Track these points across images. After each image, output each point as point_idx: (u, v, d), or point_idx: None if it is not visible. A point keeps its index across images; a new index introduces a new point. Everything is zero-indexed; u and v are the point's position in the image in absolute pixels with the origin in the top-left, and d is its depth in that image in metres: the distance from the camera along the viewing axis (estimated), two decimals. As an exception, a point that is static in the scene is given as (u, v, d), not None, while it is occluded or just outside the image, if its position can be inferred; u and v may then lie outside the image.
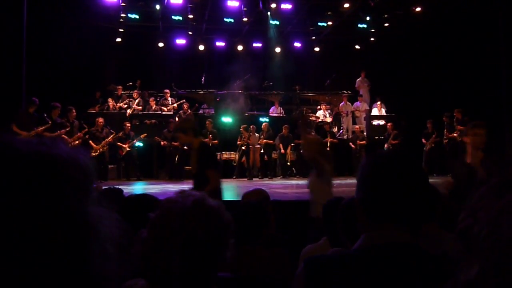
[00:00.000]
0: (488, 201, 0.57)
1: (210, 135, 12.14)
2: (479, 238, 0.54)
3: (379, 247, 1.17)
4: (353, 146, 13.29)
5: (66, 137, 10.27)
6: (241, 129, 12.70)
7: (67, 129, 10.55)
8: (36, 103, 9.99)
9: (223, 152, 12.90)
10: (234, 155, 13.09)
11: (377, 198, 1.21)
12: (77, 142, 10.70)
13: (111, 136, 11.60)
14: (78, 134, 10.96)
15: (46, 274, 0.60)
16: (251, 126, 12.81)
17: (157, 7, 14.28)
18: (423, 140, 12.98)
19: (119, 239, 0.70)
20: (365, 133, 13.84)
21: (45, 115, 10.05)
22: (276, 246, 2.61)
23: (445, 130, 12.58)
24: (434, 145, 12.77)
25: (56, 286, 0.61)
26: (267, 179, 12.43)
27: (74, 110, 11.12)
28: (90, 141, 11.40)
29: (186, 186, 9.57)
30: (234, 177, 12.43)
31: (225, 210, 1.33)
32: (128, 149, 11.96)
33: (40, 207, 0.60)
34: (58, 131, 10.27)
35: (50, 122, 10.01)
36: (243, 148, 12.51)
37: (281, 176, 12.88)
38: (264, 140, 12.77)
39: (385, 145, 13.03)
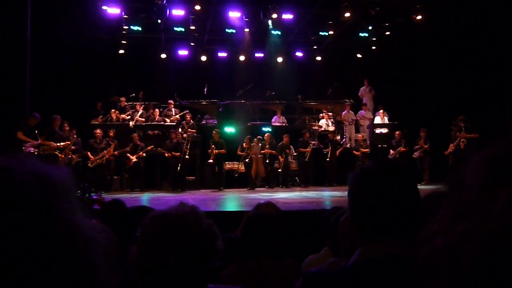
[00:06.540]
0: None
1: (213, 146, 12.15)
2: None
3: (374, 261, 1.17)
4: (357, 153, 13.23)
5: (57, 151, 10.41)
6: (245, 140, 12.71)
7: (68, 142, 10.71)
8: (37, 118, 10.08)
9: (227, 162, 12.89)
10: (237, 165, 13.06)
11: (367, 213, 1.21)
12: (70, 154, 10.76)
13: (111, 147, 11.58)
14: (72, 147, 10.97)
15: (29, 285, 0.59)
16: (251, 137, 12.79)
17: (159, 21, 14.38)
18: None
19: (109, 250, 0.70)
20: (368, 142, 13.81)
21: (36, 131, 10.12)
22: (283, 258, 2.59)
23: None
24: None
25: None
26: (270, 188, 12.36)
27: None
28: (88, 153, 11.46)
29: (188, 196, 9.59)
30: (248, 188, 12.26)
31: (213, 226, 1.34)
32: (134, 160, 11.98)
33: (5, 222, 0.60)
34: (59, 144, 10.48)
35: (39, 141, 10.08)
36: (247, 160, 12.47)
37: (281, 186, 12.75)
38: (268, 150, 12.72)
39: (392, 152, 13.00)
